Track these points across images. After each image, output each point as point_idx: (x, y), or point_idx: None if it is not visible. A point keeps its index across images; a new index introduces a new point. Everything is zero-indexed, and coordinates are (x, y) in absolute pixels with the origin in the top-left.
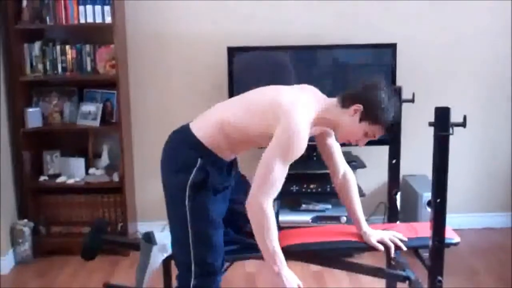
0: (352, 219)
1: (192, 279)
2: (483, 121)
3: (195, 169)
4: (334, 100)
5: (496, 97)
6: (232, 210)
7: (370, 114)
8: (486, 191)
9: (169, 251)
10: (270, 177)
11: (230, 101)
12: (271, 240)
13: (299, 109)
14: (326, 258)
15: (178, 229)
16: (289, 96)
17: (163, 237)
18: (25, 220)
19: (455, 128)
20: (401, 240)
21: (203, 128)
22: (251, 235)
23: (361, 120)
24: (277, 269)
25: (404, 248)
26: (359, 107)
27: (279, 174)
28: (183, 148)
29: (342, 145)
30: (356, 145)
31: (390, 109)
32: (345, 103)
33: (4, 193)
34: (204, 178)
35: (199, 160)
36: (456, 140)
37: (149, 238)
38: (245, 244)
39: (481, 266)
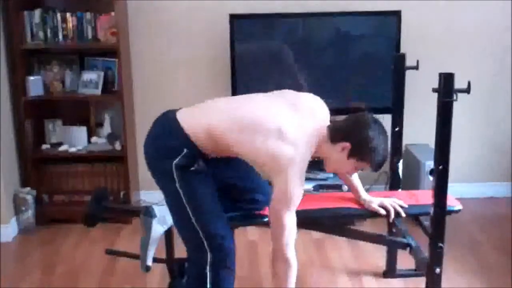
0: (350, 187)
1: (208, 254)
2: (486, 90)
3: (180, 155)
4: (325, 132)
5: (501, 66)
6: (226, 184)
7: (358, 153)
8: (488, 161)
9: (169, 223)
10: (284, 229)
11: (225, 109)
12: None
13: (297, 166)
14: (328, 225)
15: (178, 211)
16: (289, 148)
17: (162, 210)
18: (28, 188)
19: (459, 97)
20: (401, 207)
21: (192, 126)
22: (249, 202)
23: (349, 157)
24: None
25: (403, 214)
26: (347, 145)
27: (291, 223)
28: (170, 138)
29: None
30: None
31: (378, 147)
32: (334, 139)
33: (6, 162)
34: (189, 163)
35: (184, 150)
36: (459, 109)
37: (149, 212)
38: (244, 212)
39: (482, 236)
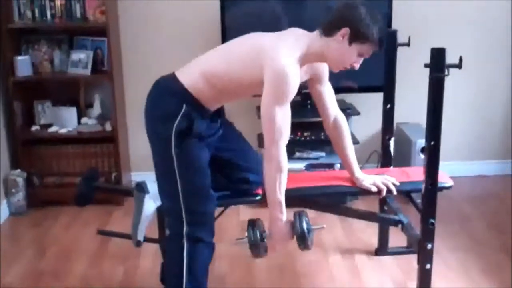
0: (344, 165)
1: (185, 226)
2: (478, 67)
3: (179, 116)
4: (315, 33)
5: (493, 43)
6: (220, 158)
7: (358, 34)
8: (479, 139)
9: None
10: (275, 127)
11: (215, 50)
12: (280, 192)
13: (282, 50)
14: (320, 203)
15: (166, 178)
16: (269, 39)
17: (156, 187)
18: (18, 170)
19: (452, 74)
20: (394, 184)
21: (189, 77)
22: (240, 181)
23: (351, 42)
24: (276, 217)
25: (395, 192)
26: (346, 30)
27: (282, 119)
28: (168, 97)
29: (337, 92)
30: (352, 69)
31: (375, 22)
32: (329, 31)
33: None
34: (189, 125)
35: (184, 106)
36: (450, 86)
37: (141, 187)
38: (237, 191)
39: (472, 213)
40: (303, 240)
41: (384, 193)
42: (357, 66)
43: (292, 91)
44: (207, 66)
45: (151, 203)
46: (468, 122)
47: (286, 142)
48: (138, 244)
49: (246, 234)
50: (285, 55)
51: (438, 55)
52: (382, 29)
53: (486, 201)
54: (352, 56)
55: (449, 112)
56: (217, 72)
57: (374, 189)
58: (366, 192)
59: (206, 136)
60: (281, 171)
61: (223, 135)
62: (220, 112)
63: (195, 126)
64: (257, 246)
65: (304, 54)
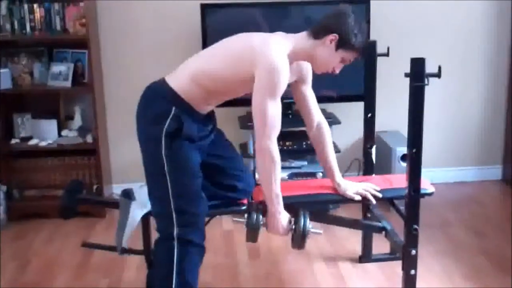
0: (325, 171)
1: (175, 228)
2: (457, 76)
3: (169, 118)
4: (304, 34)
5: (468, 52)
6: (210, 164)
7: (345, 41)
8: (458, 146)
9: (148, 207)
10: (267, 120)
11: (203, 52)
12: (276, 185)
13: (272, 45)
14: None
15: (156, 181)
16: (258, 37)
17: (142, 194)
18: None
19: (430, 83)
20: (375, 194)
21: (178, 80)
22: (228, 188)
23: (337, 48)
24: (274, 210)
25: (374, 202)
26: (335, 36)
27: (274, 112)
28: (157, 100)
29: (319, 101)
30: (333, 73)
31: (361, 33)
32: (318, 34)
33: None
34: (179, 127)
35: (173, 109)
36: (428, 95)
37: (127, 194)
38: (224, 199)
39: (453, 218)
40: (300, 240)
41: (373, 200)
42: (337, 71)
43: (284, 85)
44: (196, 68)
45: (137, 211)
46: (445, 130)
47: (277, 134)
48: (123, 251)
49: (245, 216)
50: (276, 50)
51: (417, 64)
52: (364, 35)
53: (466, 206)
54: (336, 61)
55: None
56: (207, 73)
57: (357, 197)
58: (349, 200)
59: (197, 139)
60: (275, 163)
61: (214, 142)
62: (211, 117)
63: (185, 127)
64: (255, 231)
65: (292, 51)
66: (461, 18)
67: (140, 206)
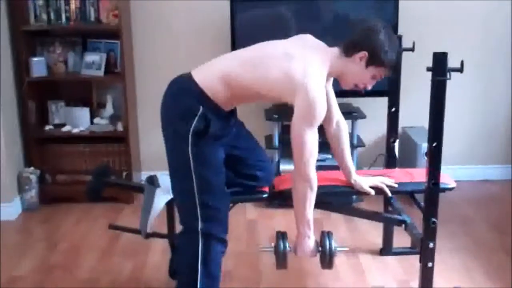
0: (342, 169)
1: (199, 222)
2: (483, 73)
3: (196, 117)
4: (336, 51)
5: (495, 48)
6: (232, 156)
7: (375, 59)
8: (484, 143)
9: (171, 193)
10: (305, 149)
11: (236, 55)
12: (309, 211)
13: (313, 77)
14: (326, 202)
15: (181, 176)
16: (300, 66)
17: (167, 181)
18: (32, 168)
19: (455, 79)
20: (391, 186)
21: (207, 79)
22: (249, 177)
23: (367, 66)
24: (304, 234)
25: (390, 193)
26: (364, 54)
27: (313, 141)
28: (185, 97)
29: (344, 95)
30: (365, 88)
31: (392, 49)
32: (349, 52)
33: (10, 142)
34: (206, 126)
35: (200, 108)
36: (455, 91)
37: (152, 181)
38: (245, 187)
39: (475, 215)
40: (328, 260)
41: (388, 192)
42: (369, 87)
43: (322, 117)
44: (226, 71)
45: (161, 197)
46: (471, 127)
47: (315, 161)
48: (147, 236)
49: (273, 244)
50: (317, 85)
51: (440, 59)
52: (396, 54)
53: (489, 204)
54: (366, 78)
55: (452, 118)
56: (238, 79)
57: (372, 192)
58: (364, 193)
59: (222, 136)
60: (312, 190)
61: (235, 134)
62: (233, 111)
63: (211, 127)
64: (284, 257)
65: (328, 73)
66: (488, 13)
67: (164, 193)
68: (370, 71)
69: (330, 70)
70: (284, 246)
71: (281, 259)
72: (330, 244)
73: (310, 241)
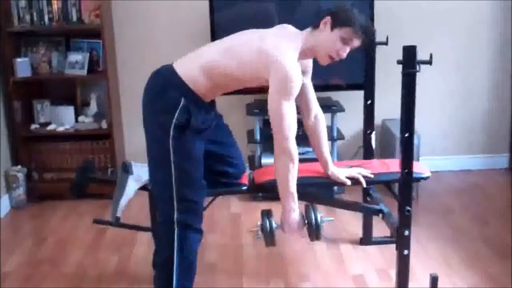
0: (319, 160)
1: (175, 213)
2: (461, 65)
3: (178, 109)
4: (308, 30)
5: (473, 39)
6: (208, 151)
7: (339, 19)
8: (464, 134)
9: (143, 181)
10: (284, 122)
11: (214, 45)
12: (292, 183)
13: (285, 51)
14: (306, 193)
15: (160, 167)
16: (272, 42)
17: (139, 169)
18: (19, 166)
19: (433, 72)
20: (367, 176)
21: (188, 69)
22: (219, 174)
23: (332, 28)
24: (289, 208)
25: (365, 184)
26: (328, 18)
27: (291, 114)
28: (167, 88)
29: (323, 90)
30: (341, 60)
31: (359, 15)
32: (316, 24)
33: None
34: (187, 119)
35: (182, 100)
36: (434, 85)
37: (126, 168)
38: (215, 182)
39: (456, 205)
40: (315, 231)
41: (364, 183)
42: (342, 54)
43: (297, 89)
44: (207, 62)
45: (133, 184)
46: (452, 119)
47: (295, 134)
48: (117, 220)
49: (259, 223)
50: (289, 58)
51: (409, 52)
52: (369, 26)
53: (470, 194)
54: (336, 43)
55: (433, 109)
56: (218, 68)
57: (349, 182)
58: (341, 184)
59: (203, 129)
60: (293, 163)
61: (215, 127)
62: (213, 104)
63: (192, 119)
64: (271, 235)
65: (300, 51)
66: (465, 6)
67: (137, 180)
68: (337, 34)
69: (303, 47)
70: (270, 223)
71: (267, 236)
72: (315, 215)
73: (295, 214)
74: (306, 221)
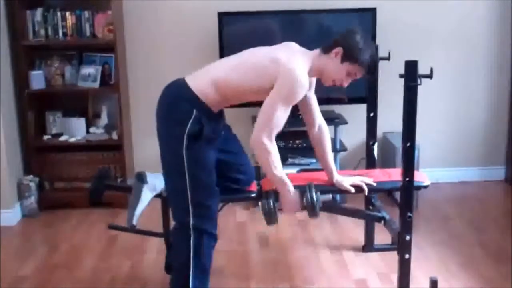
0: (324, 169)
1: (191, 219)
2: (459, 78)
3: (190, 120)
4: (317, 51)
5: (472, 54)
6: (220, 160)
7: (349, 55)
8: (462, 146)
9: (157, 190)
10: (273, 118)
11: (226, 61)
12: (277, 170)
13: (297, 63)
14: None
15: (175, 176)
16: (285, 55)
17: (154, 178)
18: (31, 176)
19: (432, 86)
20: (370, 184)
21: (199, 84)
22: (230, 181)
23: (342, 61)
24: (285, 190)
25: (367, 191)
26: (340, 49)
27: (282, 115)
28: (179, 101)
29: (327, 103)
30: (341, 86)
31: (367, 49)
32: (327, 50)
33: (10, 151)
34: (200, 129)
35: (194, 112)
36: (433, 97)
37: (141, 177)
38: (227, 189)
39: (454, 214)
40: (312, 209)
41: (366, 190)
42: (344, 84)
43: (299, 98)
44: (218, 77)
45: (148, 193)
46: (450, 131)
47: (276, 134)
48: (132, 227)
49: (259, 203)
50: (300, 68)
51: (411, 66)
52: (373, 56)
53: (467, 203)
54: (342, 74)
55: (432, 122)
56: (228, 83)
57: (353, 190)
58: (345, 191)
59: (214, 138)
60: (269, 151)
61: (224, 137)
62: (222, 115)
63: (205, 130)
64: (270, 214)
65: (309, 69)
66: (463, 21)
67: (151, 189)
68: (345, 67)
69: (311, 67)
70: (269, 201)
71: (268, 214)
72: (311, 193)
73: (292, 194)
74: (304, 200)
